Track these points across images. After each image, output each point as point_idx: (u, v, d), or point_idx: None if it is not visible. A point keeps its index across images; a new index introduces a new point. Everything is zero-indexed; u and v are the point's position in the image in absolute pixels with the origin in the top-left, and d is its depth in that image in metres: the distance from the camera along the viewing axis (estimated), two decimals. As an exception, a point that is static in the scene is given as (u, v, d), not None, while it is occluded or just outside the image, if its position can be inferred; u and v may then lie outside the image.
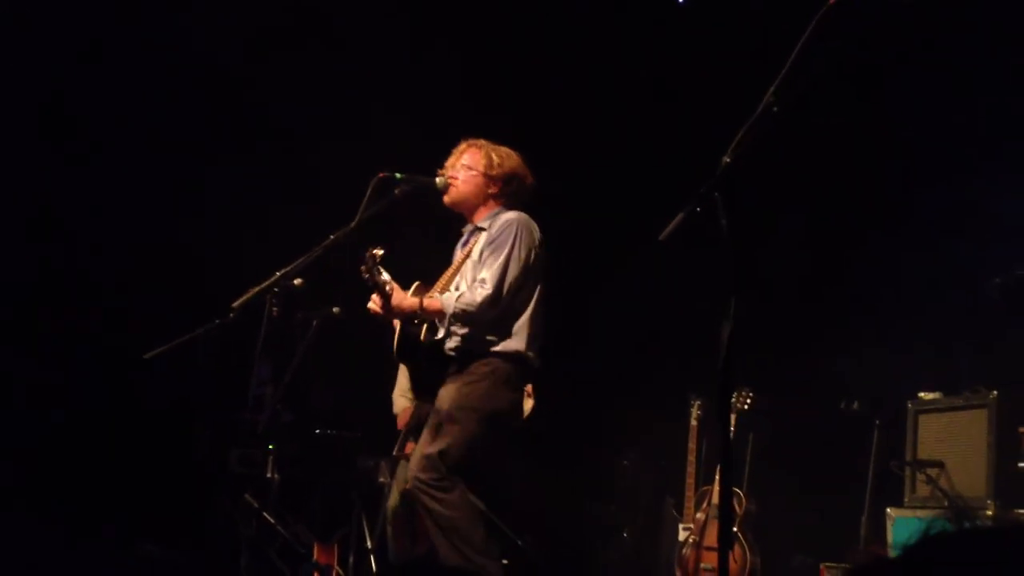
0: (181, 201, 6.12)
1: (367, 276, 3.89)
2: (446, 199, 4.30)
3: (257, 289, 3.93)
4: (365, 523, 5.97)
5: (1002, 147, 5.78)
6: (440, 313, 4.03)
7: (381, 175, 4.02)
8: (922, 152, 6.23)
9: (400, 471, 5.87)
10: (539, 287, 4.19)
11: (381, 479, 6.00)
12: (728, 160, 2.46)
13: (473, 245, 4.22)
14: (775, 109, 2.45)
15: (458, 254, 4.33)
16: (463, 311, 4.00)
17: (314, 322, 5.13)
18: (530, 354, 4.13)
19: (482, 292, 3.99)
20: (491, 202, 4.30)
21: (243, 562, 5.10)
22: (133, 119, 6.12)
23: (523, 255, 4.09)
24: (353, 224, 3.97)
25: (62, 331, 5.95)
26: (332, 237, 3.98)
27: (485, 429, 4.03)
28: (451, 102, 6.43)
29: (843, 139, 6.22)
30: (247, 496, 5.32)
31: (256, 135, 6.27)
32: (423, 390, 4.41)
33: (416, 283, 4.29)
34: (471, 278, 4.12)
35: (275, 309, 3.95)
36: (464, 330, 4.08)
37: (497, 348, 4.08)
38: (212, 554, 5.47)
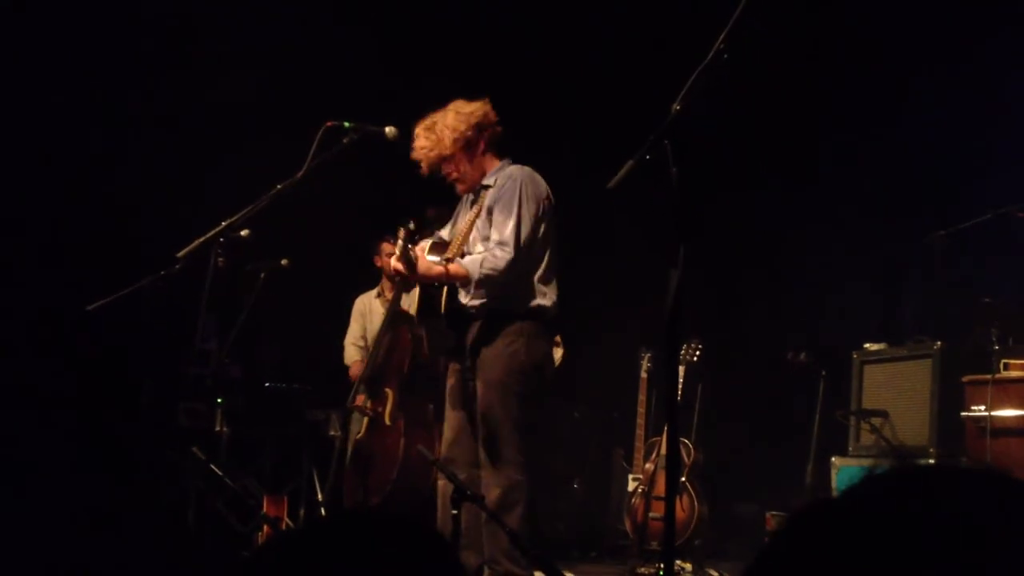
0: (125, 148, 6.00)
1: (400, 251, 3.94)
2: (461, 188, 4.29)
3: (202, 239, 3.85)
4: (315, 476, 5.96)
5: (940, 102, 5.84)
6: (465, 278, 4.05)
7: (329, 124, 3.95)
8: (865, 100, 6.27)
9: (353, 424, 5.87)
10: (551, 238, 4.21)
11: (332, 432, 5.99)
12: (678, 108, 2.44)
13: (482, 202, 4.20)
14: (725, 56, 2.43)
15: (468, 213, 4.27)
16: (487, 276, 4.02)
17: (261, 274, 5.07)
18: (551, 305, 4.18)
19: (503, 256, 4.01)
20: (485, 158, 4.25)
21: (191, 516, 5.07)
22: (73, 62, 5.97)
23: (532, 209, 4.10)
24: (300, 173, 3.91)
25: (4, 284, 5.84)
26: (279, 187, 3.91)
27: (533, 386, 4.13)
28: (393, 50, 6.36)
29: (789, 80, 6.24)
30: (195, 450, 5.27)
31: (203, 82, 6.14)
32: (437, 348, 4.46)
33: (430, 241, 4.26)
34: (483, 236, 4.13)
35: (221, 260, 3.88)
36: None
37: (520, 304, 4.11)
38: (160, 508, 5.43)
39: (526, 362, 4.09)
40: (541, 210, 4.14)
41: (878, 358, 5.50)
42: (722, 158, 6.01)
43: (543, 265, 4.17)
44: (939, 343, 5.18)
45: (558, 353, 4.49)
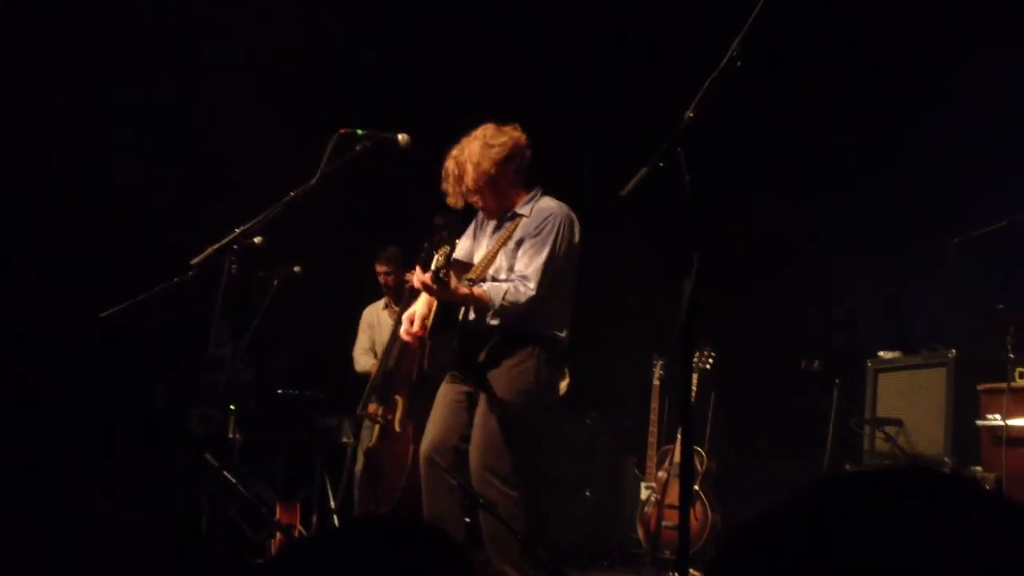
0: (139, 155, 6.02)
1: (437, 266, 3.85)
2: (486, 215, 4.26)
3: (216, 246, 3.86)
4: (328, 483, 5.96)
5: (960, 110, 5.82)
6: (486, 305, 4.03)
7: (342, 131, 3.96)
8: (882, 111, 6.26)
9: (364, 431, 5.87)
10: (573, 275, 4.22)
11: (344, 439, 5.99)
12: (691, 115, 2.44)
13: (512, 230, 4.17)
14: (739, 64, 2.43)
15: (494, 236, 4.24)
16: (506, 308, 4.01)
17: (274, 281, 5.09)
18: (564, 337, 4.19)
19: (526, 292, 4.00)
20: (514, 192, 4.22)
21: (204, 522, 5.08)
22: (88, 66, 6.00)
23: (563, 250, 4.09)
24: (313, 181, 3.91)
25: (18, 290, 5.86)
26: (292, 194, 3.92)
27: (534, 409, 4.11)
28: (412, 63, 6.37)
29: (797, 87, 6.23)
30: (208, 456, 5.28)
31: (218, 90, 6.17)
32: (439, 364, 4.43)
33: (444, 249, 4.17)
34: (508, 265, 4.13)
35: (234, 267, 3.89)
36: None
37: (536, 329, 4.11)
38: (173, 515, 5.44)
39: (532, 384, 4.08)
40: (572, 254, 4.15)
41: (892, 366, 5.48)
42: (733, 164, 6.00)
43: (562, 300, 4.18)
44: (953, 351, 5.16)
45: (564, 384, 4.45)
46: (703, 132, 2.42)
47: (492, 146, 4.07)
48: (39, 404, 5.76)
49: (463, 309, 4.17)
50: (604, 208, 3.87)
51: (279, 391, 6.22)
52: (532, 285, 4.02)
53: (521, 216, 4.17)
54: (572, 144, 6.76)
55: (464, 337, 4.17)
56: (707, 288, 2.38)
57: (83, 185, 5.89)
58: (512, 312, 4.03)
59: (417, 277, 4.01)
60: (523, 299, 4.00)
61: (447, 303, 4.15)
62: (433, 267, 3.91)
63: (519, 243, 4.12)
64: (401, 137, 4.17)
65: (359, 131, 4.00)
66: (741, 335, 6.33)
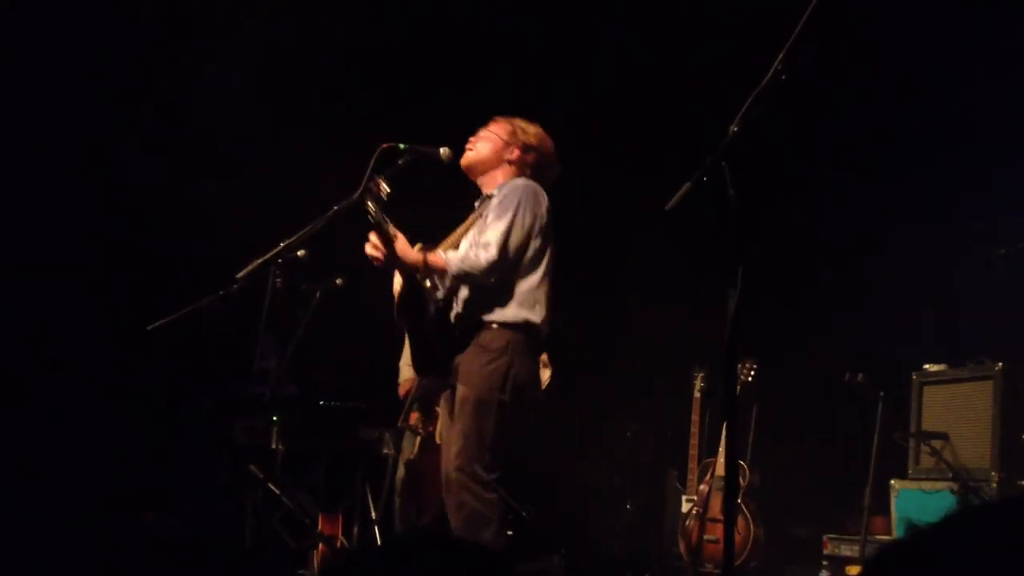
0: (185, 171, 6.09)
1: (372, 213, 3.77)
2: (462, 162, 4.23)
3: (261, 260, 3.89)
4: (369, 494, 5.98)
5: (1009, 118, 5.75)
6: (442, 271, 3.95)
7: (385, 145, 3.97)
8: (930, 121, 6.20)
9: (405, 442, 5.89)
10: (547, 255, 4.13)
11: (385, 450, 6.01)
12: (735, 129, 2.43)
13: (483, 210, 4.14)
14: (783, 77, 2.42)
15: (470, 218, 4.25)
16: (465, 272, 3.92)
17: (317, 293, 5.13)
18: (540, 323, 4.07)
19: (485, 255, 3.91)
20: (507, 168, 4.22)
21: (248, 533, 5.12)
22: (139, 90, 6.10)
23: (527, 220, 4.01)
24: (356, 195, 3.93)
25: (66, 303, 5.95)
26: (336, 208, 3.94)
27: (513, 406, 3.97)
28: (457, 71, 6.40)
29: (850, 104, 6.19)
30: (251, 467, 5.33)
31: (260, 105, 6.24)
32: (422, 362, 4.34)
33: (419, 244, 4.20)
34: (473, 240, 4.05)
35: (279, 280, 3.92)
36: (467, 294, 4.04)
37: (506, 318, 4.00)
38: (217, 525, 5.49)
39: (508, 380, 3.95)
40: (537, 225, 4.05)
41: (938, 379, 5.42)
42: (778, 175, 5.97)
43: (535, 281, 4.06)
44: (1000, 364, 5.09)
45: (546, 374, 4.31)
46: (748, 146, 2.41)
47: (543, 134, 4.29)
48: (84, 417, 5.83)
49: (419, 297, 4.01)
50: (648, 221, 3.87)
51: (321, 402, 6.26)
52: (493, 250, 3.90)
53: (492, 196, 4.16)
54: (615, 158, 6.77)
55: (437, 330, 4.04)
56: (750, 300, 2.37)
57: (131, 201, 5.97)
58: (472, 278, 3.92)
59: (369, 245, 3.93)
60: (482, 262, 3.89)
61: (411, 283, 4.01)
62: (371, 214, 3.76)
63: (487, 218, 4.06)
64: (443, 151, 4.20)
65: (401, 145, 4.02)
66: (785, 347, 6.29)
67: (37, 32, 5.95)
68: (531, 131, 4.26)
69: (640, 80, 6.67)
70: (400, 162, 3.99)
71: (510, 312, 4.02)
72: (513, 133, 4.23)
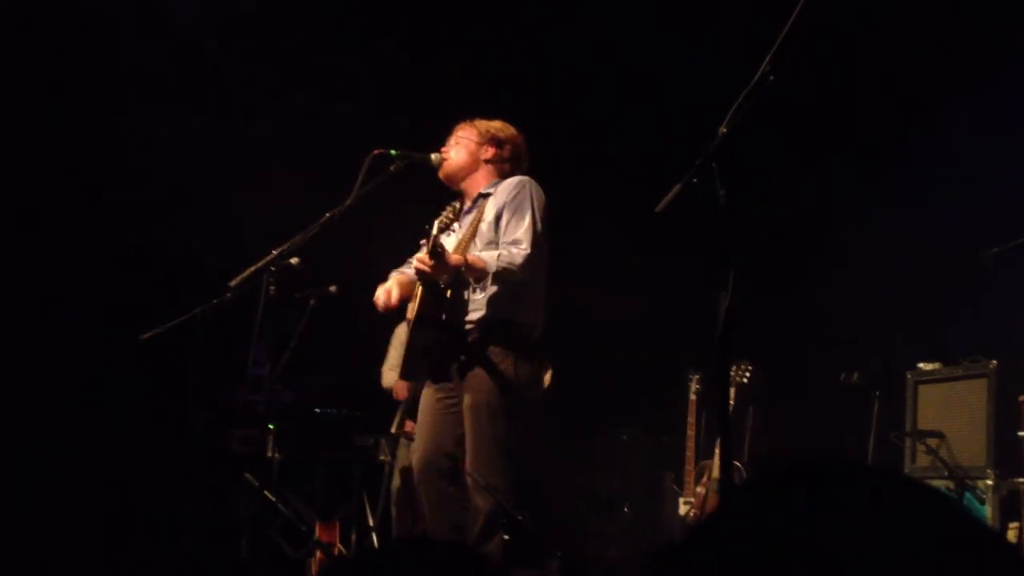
0: (177, 180, 6.09)
1: (434, 236, 3.82)
2: (440, 173, 4.26)
3: (254, 268, 3.89)
4: (366, 501, 5.98)
5: (1003, 119, 5.77)
6: (483, 270, 3.95)
7: (376, 152, 3.98)
8: (918, 121, 6.21)
9: (401, 450, 5.89)
10: (547, 255, 4.16)
11: (381, 457, 6.01)
12: (724, 130, 2.44)
13: (483, 209, 4.14)
14: (771, 78, 2.43)
15: (464, 223, 4.24)
16: (504, 269, 3.93)
17: (311, 301, 5.12)
18: (537, 325, 4.12)
19: (521, 252, 3.94)
20: (486, 167, 4.24)
21: (245, 541, 5.11)
22: (129, 98, 6.09)
23: (542, 213, 4.06)
24: (349, 201, 3.94)
25: (58, 313, 5.94)
26: (328, 215, 3.95)
27: (520, 408, 4.03)
28: (443, 77, 6.41)
29: (848, 102, 6.20)
30: (248, 476, 5.32)
31: (253, 113, 6.24)
32: (412, 371, 4.32)
33: (447, 224, 4.18)
34: (487, 240, 4.06)
35: (272, 288, 3.91)
36: (477, 299, 4.03)
37: (514, 318, 4.04)
38: (214, 535, 5.48)
39: (513, 383, 3.99)
40: (545, 215, 4.10)
41: (932, 378, 5.43)
42: (769, 174, 5.98)
43: (539, 282, 4.11)
44: (994, 362, 5.10)
45: (547, 375, 4.33)
46: (737, 147, 2.41)
47: (510, 128, 4.33)
48: (78, 428, 5.82)
49: (440, 307, 4.03)
50: (639, 222, 3.87)
51: (316, 410, 6.25)
52: (525, 245, 3.95)
53: (489, 195, 4.16)
54: (605, 162, 6.77)
55: (441, 337, 4.05)
56: (744, 301, 2.37)
57: (124, 210, 5.96)
58: (511, 274, 3.93)
59: (417, 260, 3.97)
60: (519, 258, 3.93)
61: (434, 292, 4.02)
62: (435, 231, 3.83)
63: (495, 221, 4.07)
64: (434, 156, 4.22)
65: (393, 151, 4.03)
66: (779, 348, 6.29)
67: (37, 31, 5.95)
68: (496, 126, 4.30)
69: (639, 80, 6.67)
70: (392, 168, 4.01)
71: (517, 315, 4.06)
72: (481, 133, 4.27)
